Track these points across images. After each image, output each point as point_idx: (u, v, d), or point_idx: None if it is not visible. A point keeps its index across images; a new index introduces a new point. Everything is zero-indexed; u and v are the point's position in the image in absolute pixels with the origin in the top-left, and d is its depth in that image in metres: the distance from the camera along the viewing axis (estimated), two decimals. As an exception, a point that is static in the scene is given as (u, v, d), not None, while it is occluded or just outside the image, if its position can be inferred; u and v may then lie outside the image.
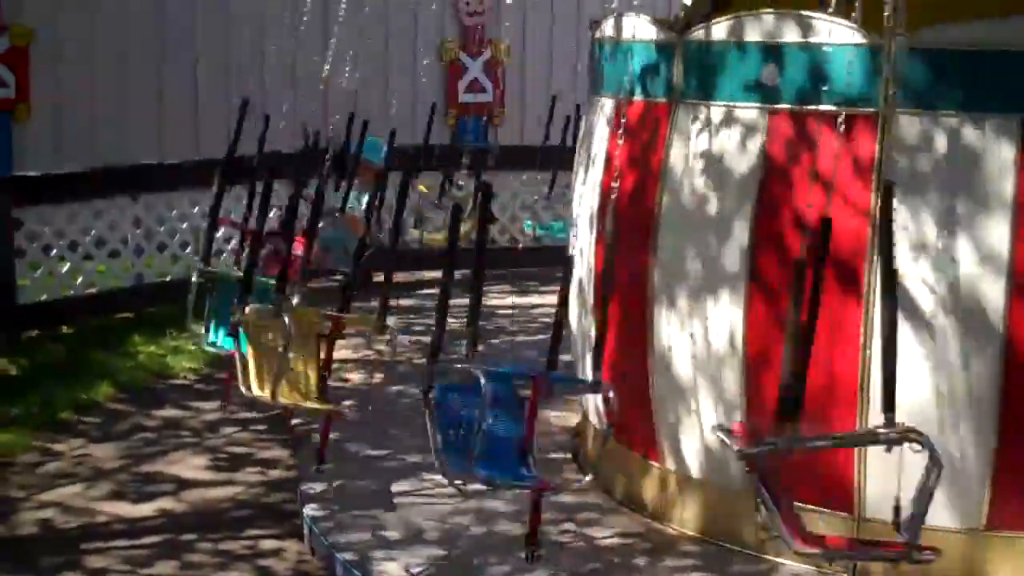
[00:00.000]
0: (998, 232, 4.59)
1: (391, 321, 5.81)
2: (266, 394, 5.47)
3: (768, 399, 4.96)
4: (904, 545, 3.88)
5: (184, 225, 9.56)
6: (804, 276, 3.98)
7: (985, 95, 4.60)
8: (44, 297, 8.79)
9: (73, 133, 10.98)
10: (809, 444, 4.12)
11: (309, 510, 5.51)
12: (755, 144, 4.95)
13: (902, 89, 4.63)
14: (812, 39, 4.80)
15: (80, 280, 9.00)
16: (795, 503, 4.24)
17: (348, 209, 8.11)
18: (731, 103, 5.02)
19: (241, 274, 5.93)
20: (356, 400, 7.13)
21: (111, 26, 11.33)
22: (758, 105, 4.95)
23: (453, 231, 4.55)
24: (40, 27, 11.06)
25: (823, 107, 4.80)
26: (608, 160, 5.57)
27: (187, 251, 9.43)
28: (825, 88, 4.76)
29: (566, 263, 4.72)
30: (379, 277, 9.85)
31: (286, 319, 5.29)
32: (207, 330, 6.43)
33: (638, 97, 5.46)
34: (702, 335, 5.10)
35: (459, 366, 4.52)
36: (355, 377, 7.65)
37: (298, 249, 6.13)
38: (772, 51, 4.90)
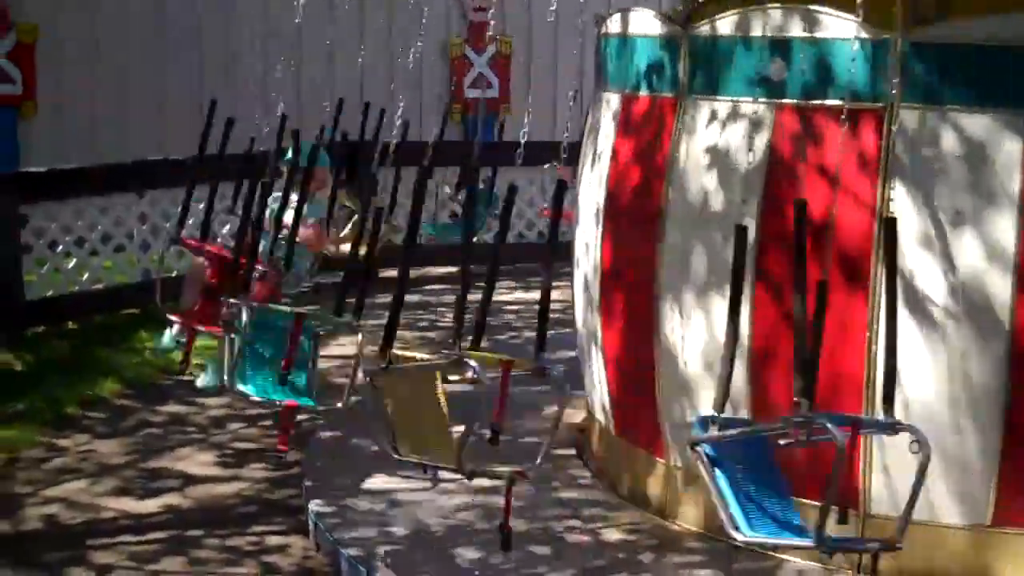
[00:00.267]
0: (1004, 228, 4.57)
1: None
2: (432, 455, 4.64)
3: (773, 394, 4.97)
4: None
5: (191, 221, 9.55)
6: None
7: (992, 90, 4.59)
8: (50, 293, 8.81)
9: (78, 129, 11.00)
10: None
11: (314, 506, 5.51)
12: (761, 139, 4.94)
13: (908, 84, 4.63)
14: (818, 33, 4.79)
15: (86, 276, 9.01)
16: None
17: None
18: (737, 98, 5.01)
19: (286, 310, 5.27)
20: (363, 396, 7.11)
21: (114, 22, 11.35)
22: (764, 100, 4.93)
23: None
24: (44, 23, 11.08)
25: (829, 102, 4.78)
26: (614, 155, 5.57)
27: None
28: (831, 83, 4.76)
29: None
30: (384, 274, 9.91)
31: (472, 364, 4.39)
32: (230, 375, 5.20)
33: (644, 92, 5.45)
34: (707, 331, 5.10)
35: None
36: (360, 374, 7.62)
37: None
38: (778, 46, 4.89)
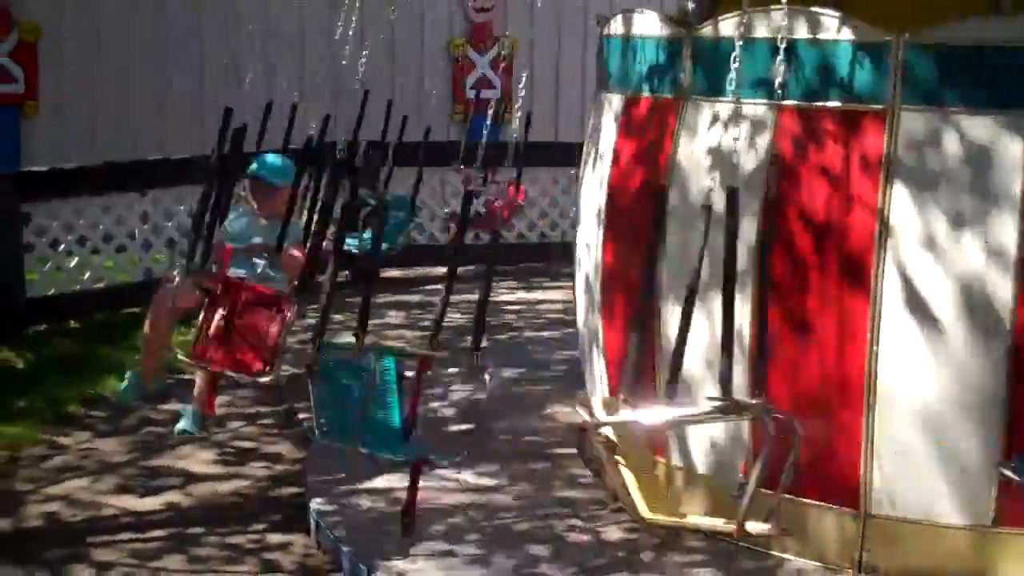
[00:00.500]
0: (1006, 229, 4.58)
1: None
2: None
3: (774, 393, 4.97)
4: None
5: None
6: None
7: (994, 92, 4.60)
8: (52, 291, 8.82)
9: (80, 128, 11.01)
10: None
11: (316, 504, 5.51)
12: (763, 141, 4.95)
13: (910, 86, 4.64)
14: (821, 35, 4.80)
15: (88, 275, 9.03)
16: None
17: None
18: (739, 99, 5.01)
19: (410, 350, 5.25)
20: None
21: (115, 22, 11.36)
22: (766, 102, 4.94)
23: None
24: (46, 23, 11.09)
25: (831, 104, 4.80)
26: (615, 156, 5.57)
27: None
28: (833, 85, 4.77)
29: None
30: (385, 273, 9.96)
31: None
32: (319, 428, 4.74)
33: (646, 94, 5.46)
34: (709, 332, 5.10)
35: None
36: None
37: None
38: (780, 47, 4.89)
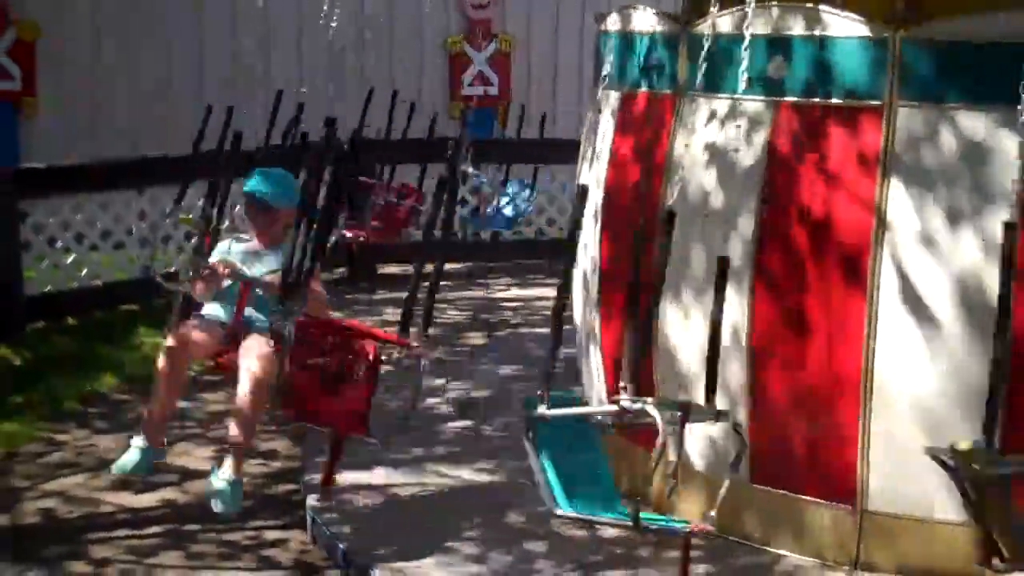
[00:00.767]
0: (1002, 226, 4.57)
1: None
2: None
3: (773, 392, 4.98)
4: None
5: (190, 216, 9.57)
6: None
7: (991, 88, 4.60)
8: (49, 289, 8.82)
9: (78, 126, 11.02)
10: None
11: (312, 501, 5.51)
12: (760, 137, 4.94)
13: (907, 82, 4.64)
14: (818, 32, 4.79)
15: (85, 272, 9.02)
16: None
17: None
18: (736, 96, 5.02)
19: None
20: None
21: (115, 20, 11.36)
22: (763, 98, 4.94)
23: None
24: (46, 21, 11.09)
25: (829, 100, 4.79)
26: (612, 153, 5.57)
27: (192, 241, 9.45)
28: (830, 81, 4.77)
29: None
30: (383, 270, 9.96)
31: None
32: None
33: (643, 90, 5.46)
34: (706, 328, 5.09)
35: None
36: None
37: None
38: (778, 44, 4.89)
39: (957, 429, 4.63)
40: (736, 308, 5.00)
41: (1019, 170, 4.14)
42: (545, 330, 4.99)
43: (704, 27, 5.06)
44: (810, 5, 4.81)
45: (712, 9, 4.72)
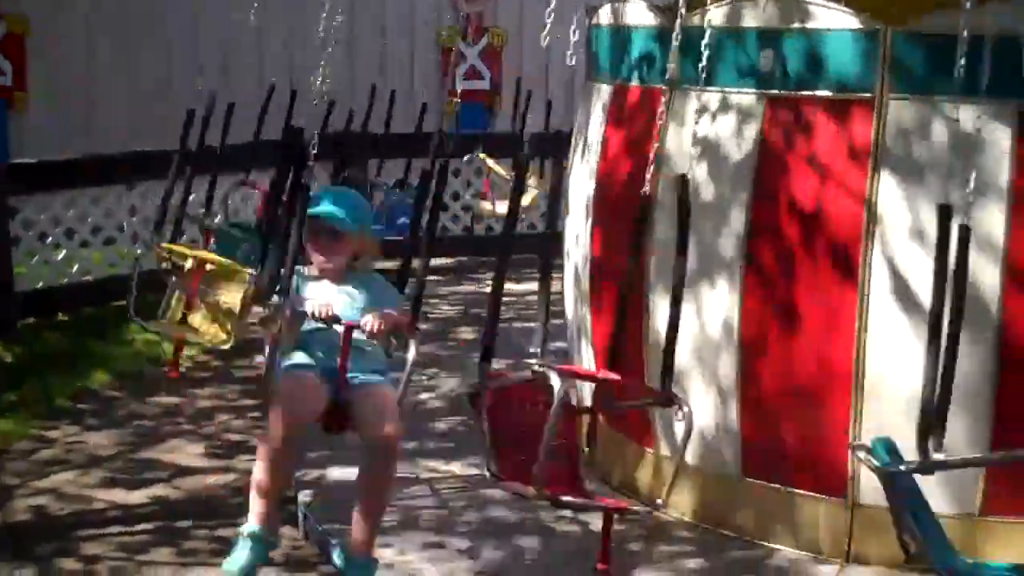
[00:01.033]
0: (994, 219, 4.58)
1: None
2: None
3: (764, 386, 4.98)
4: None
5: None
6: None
7: (982, 80, 4.59)
8: (40, 285, 8.79)
9: (71, 122, 10.99)
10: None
11: (303, 497, 5.50)
12: (752, 130, 4.94)
13: (898, 74, 4.63)
14: (809, 25, 4.79)
15: (76, 268, 9.00)
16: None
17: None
18: (728, 89, 5.01)
19: None
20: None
21: (107, 16, 11.34)
22: (755, 91, 4.93)
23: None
24: (37, 16, 11.07)
25: (820, 93, 4.79)
26: (604, 146, 5.56)
27: (183, 237, 9.43)
28: (821, 74, 4.76)
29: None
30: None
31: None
32: None
33: (634, 83, 5.45)
34: (698, 322, 5.10)
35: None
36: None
37: None
38: (769, 37, 4.89)
39: (948, 422, 4.64)
40: (727, 301, 5.00)
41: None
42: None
43: (696, 20, 5.05)
44: (801, -2, 4.80)
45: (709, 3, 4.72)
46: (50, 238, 8.90)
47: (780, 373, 4.94)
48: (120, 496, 5.81)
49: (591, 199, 5.63)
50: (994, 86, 4.49)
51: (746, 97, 4.95)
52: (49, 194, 8.88)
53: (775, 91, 4.89)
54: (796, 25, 4.81)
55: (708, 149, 5.05)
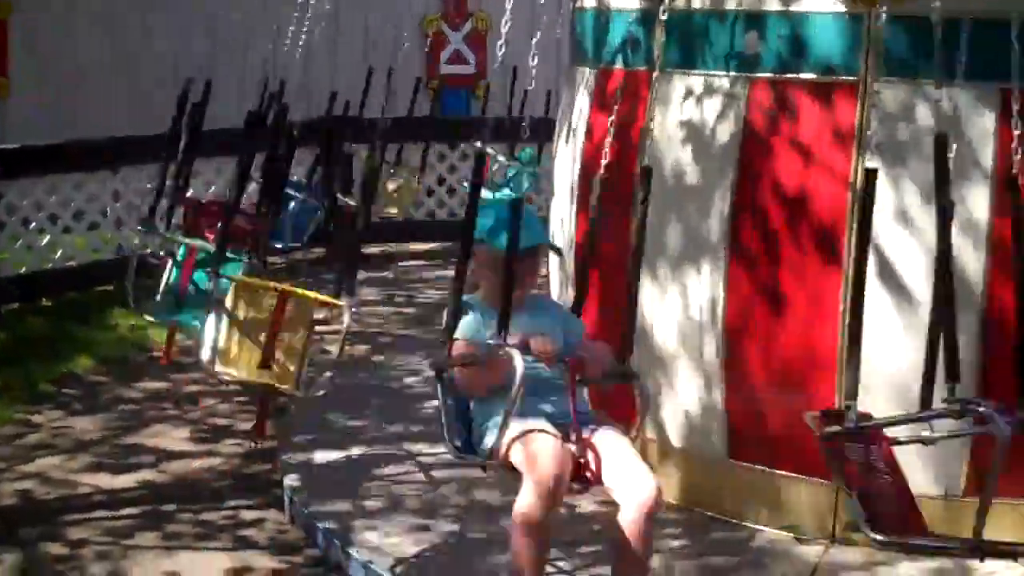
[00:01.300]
0: (978, 202, 4.59)
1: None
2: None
3: (749, 368, 4.99)
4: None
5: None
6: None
7: (966, 64, 4.60)
8: (23, 270, 8.77)
9: (53, 107, 10.94)
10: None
11: (289, 480, 5.51)
12: (736, 113, 4.94)
13: (883, 57, 4.63)
14: (793, 7, 4.79)
15: (59, 253, 8.98)
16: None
17: None
18: (712, 72, 5.02)
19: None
20: (336, 371, 7.12)
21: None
22: (739, 74, 4.94)
23: None
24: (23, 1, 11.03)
25: (804, 75, 4.79)
26: (588, 130, 5.56)
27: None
28: (806, 56, 4.77)
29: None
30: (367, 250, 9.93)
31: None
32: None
33: (618, 67, 5.44)
34: (682, 305, 5.11)
35: None
36: (335, 348, 7.63)
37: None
38: (753, 20, 4.89)
39: (932, 405, 4.67)
40: (712, 284, 5.01)
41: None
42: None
43: (680, 3, 5.05)
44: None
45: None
46: (33, 223, 8.87)
47: (765, 355, 4.95)
48: (105, 480, 5.80)
49: (576, 183, 5.63)
50: (978, 69, 4.52)
51: (730, 80, 4.95)
52: (32, 179, 8.85)
53: (759, 74, 4.90)
54: (780, 8, 4.81)
55: (692, 132, 5.06)
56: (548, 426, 3.97)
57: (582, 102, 5.68)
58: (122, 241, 9.15)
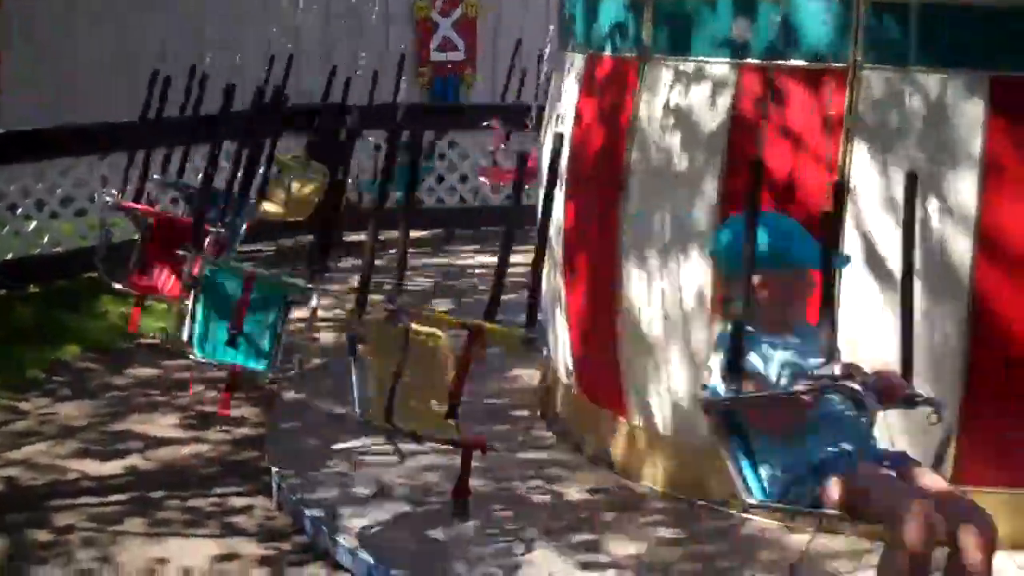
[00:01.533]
0: (966, 189, 4.59)
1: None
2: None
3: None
4: None
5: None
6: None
7: (955, 51, 4.60)
8: (10, 256, 8.74)
9: (45, 91, 10.89)
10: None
11: (278, 467, 5.50)
12: (724, 100, 4.93)
13: (871, 44, 4.63)
14: (782, -6, 4.78)
15: (47, 239, 8.95)
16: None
17: None
18: (701, 59, 5.01)
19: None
20: (324, 358, 7.12)
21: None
22: (728, 60, 4.93)
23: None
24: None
25: (793, 62, 4.79)
26: (577, 116, 5.55)
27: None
28: (794, 43, 4.76)
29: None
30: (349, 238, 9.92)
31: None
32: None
33: (608, 53, 5.43)
34: (670, 292, 5.10)
35: None
36: (324, 336, 7.63)
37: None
38: (742, 6, 4.88)
39: (920, 390, 4.67)
40: (701, 270, 5.00)
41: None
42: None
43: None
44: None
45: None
46: (20, 209, 8.83)
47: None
48: (93, 467, 5.79)
49: (564, 168, 5.61)
50: (967, 56, 4.52)
51: (719, 67, 4.94)
52: (18, 165, 8.82)
53: (748, 60, 4.89)
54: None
55: (681, 119, 5.05)
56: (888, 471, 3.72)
57: (571, 88, 5.67)
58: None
